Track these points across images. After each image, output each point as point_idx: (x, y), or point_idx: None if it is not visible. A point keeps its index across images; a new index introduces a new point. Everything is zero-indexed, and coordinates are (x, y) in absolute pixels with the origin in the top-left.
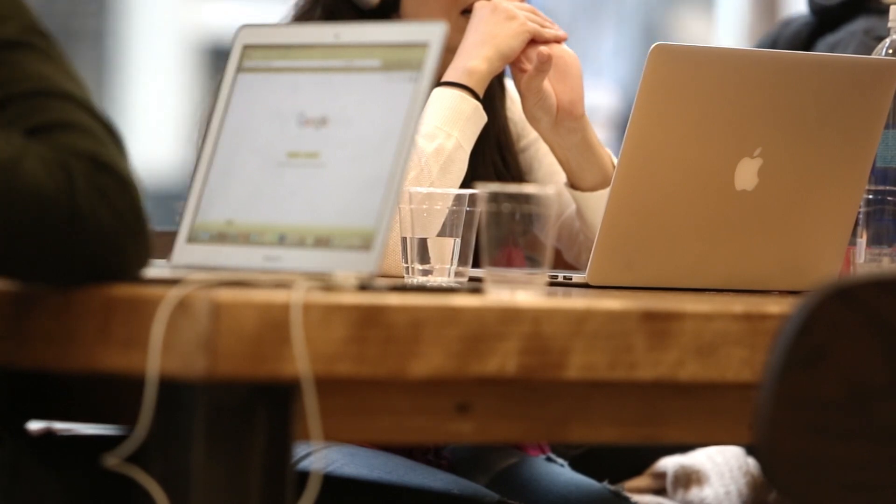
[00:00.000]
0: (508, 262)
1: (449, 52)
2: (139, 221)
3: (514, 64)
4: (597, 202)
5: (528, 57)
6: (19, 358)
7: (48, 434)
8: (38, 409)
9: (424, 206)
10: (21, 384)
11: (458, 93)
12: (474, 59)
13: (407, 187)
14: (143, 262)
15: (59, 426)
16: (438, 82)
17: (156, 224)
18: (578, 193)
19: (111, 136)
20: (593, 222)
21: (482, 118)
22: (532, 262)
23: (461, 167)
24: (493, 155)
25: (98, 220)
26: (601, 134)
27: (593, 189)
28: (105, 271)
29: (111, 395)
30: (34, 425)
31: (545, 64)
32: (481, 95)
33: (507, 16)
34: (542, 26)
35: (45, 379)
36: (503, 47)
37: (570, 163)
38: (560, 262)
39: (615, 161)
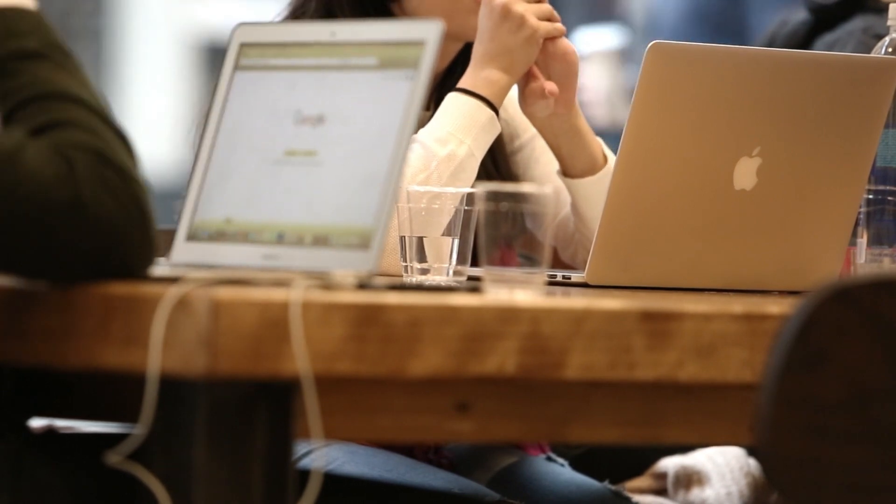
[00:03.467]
0: (502, 262)
1: (453, 39)
2: (144, 216)
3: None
4: (586, 189)
5: (538, 61)
6: (21, 355)
7: (50, 431)
8: (40, 407)
9: (423, 206)
10: (23, 381)
11: (474, 101)
12: (495, 71)
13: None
14: (149, 258)
15: (61, 423)
16: (455, 88)
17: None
18: (569, 180)
19: (120, 140)
20: (583, 210)
21: (496, 129)
22: (530, 261)
23: (471, 175)
24: (484, 156)
25: (101, 209)
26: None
27: (582, 176)
28: (109, 264)
29: (112, 392)
30: (36, 423)
31: (552, 97)
32: (499, 108)
33: (517, 24)
34: (551, 19)
35: (46, 376)
36: (520, 60)
37: (560, 149)
38: (556, 262)
39: (605, 149)
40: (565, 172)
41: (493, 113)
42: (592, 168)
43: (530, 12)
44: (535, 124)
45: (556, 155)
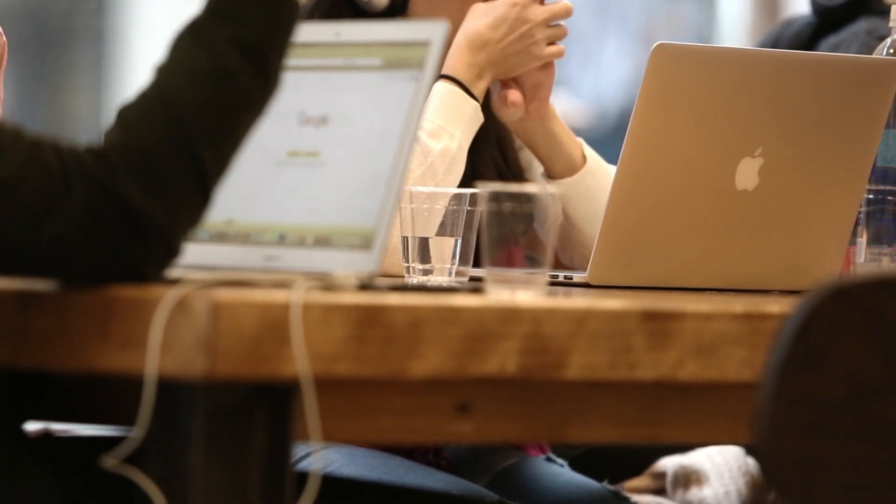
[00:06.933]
0: (509, 262)
1: None
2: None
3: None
4: (565, 189)
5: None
6: (18, 358)
7: (46, 435)
8: (36, 410)
9: (425, 206)
10: (19, 384)
11: (460, 92)
12: (486, 66)
13: (412, 186)
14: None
15: (57, 427)
16: (442, 75)
17: None
18: (550, 181)
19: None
20: (565, 210)
21: (480, 119)
22: (532, 261)
23: (461, 168)
24: (494, 152)
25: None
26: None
27: (562, 177)
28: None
29: (110, 395)
30: (32, 426)
31: (518, 108)
32: (480, 102)
33: (530, 41)
34: (554, 36)
35: (42, 379)
36: (512, 73)
37: (538, 151)
38: (557, 265)
39: (586, 149)
40: (547, 174)
41: (477, 104)
42: (571, 169)
43: (546, 35)
44: (508, 127)
45: (536, 157)
